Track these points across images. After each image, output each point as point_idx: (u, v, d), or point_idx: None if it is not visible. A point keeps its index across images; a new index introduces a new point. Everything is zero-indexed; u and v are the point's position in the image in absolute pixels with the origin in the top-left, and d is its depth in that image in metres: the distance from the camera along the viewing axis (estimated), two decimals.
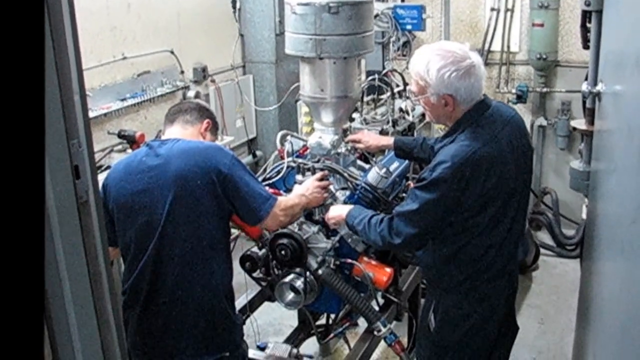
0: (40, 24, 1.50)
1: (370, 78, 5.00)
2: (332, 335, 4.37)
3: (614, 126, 2.92)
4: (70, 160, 1.68)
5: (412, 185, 3.96)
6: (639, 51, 2.27)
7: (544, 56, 7.29)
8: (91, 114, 5.07)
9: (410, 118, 5.34)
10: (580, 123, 4.25)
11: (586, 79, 3.90)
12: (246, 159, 7.38)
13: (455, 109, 3.26)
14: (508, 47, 7.72)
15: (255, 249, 3.96)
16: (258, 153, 7.80)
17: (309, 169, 3.89)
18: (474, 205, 3.19)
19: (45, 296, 1.63)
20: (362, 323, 4.18)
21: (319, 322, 4.67)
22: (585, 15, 3.97)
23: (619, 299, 2.37)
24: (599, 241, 3.15)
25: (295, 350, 4.26)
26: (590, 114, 3.92)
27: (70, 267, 1.70)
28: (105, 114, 5.55)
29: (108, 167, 4.58)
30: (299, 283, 3.81)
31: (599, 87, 3.49)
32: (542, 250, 7.20)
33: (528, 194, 3.58)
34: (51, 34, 1.59)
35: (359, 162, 4.30)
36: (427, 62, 3.19)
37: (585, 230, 4.20)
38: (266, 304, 4.45)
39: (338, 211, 3.70)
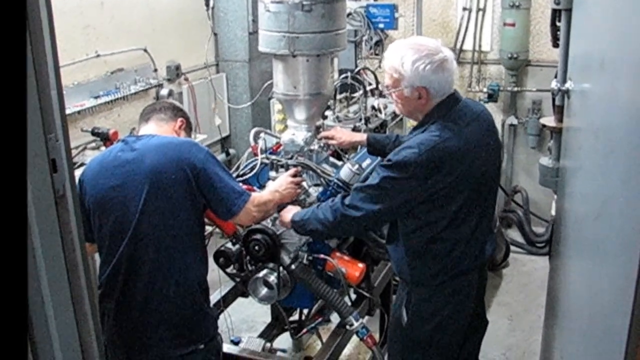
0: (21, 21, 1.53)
1: (343, 76, 5.03)
2: (305, 330, 4.38)
3: (581, 124, 2.96)
4: (47, 154, 1.70)
5: None
6: (604, 53, 2.32)
7: (515, 55, 7.34)
8: None
9: (382, 116, 5.38)
10: (549, 120, 4.30)
11: (556, 76, 3.96)
12: (219, 157, 7.34)
13: (428, 102, 3.30)
14: (479, 46, 7.77)
15: (229, 245, 3.98)
16: (231, 151, 7.80)
17: (282, 166, 3.92)
18: (437, 197, 3.22)
19: None
20: (335, 319, 4.21)
21: (292, 318, 4.70)
22: (555, 14, 4.03)
23: (584, 294, 2.42)
24: (566, 237, 3.20)
25: (268, 345, 4.29)
26: (559, 112, 3.97)
27: (48, 260, 1.72)
28: (78, 112, 5.53)
29: (82, 165, 4.57)
30: (272, 278, 3.84)
31: (568, 84, 3.53)
32: (512, 248, 7.25)
33: (496, 190, 3.62)
34: (28, 30, 1.62)
35: (331, 159, 4.32)
36: (402, 56, 3.24)
37: (553, 227, 4.25)
38: (240, 301, 4.47)
39: (287, 214, 3.70)
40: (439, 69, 3.22)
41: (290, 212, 3.68)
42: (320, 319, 4.36)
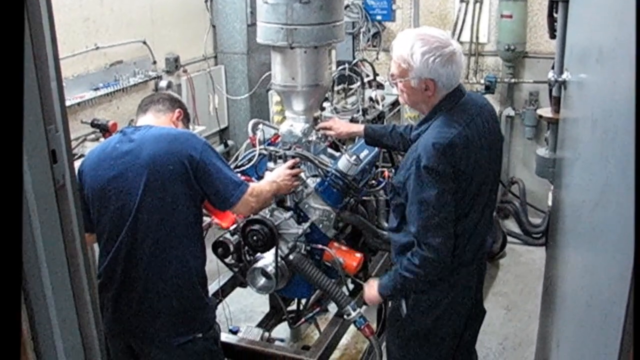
0: (20, 12, 1.54)
1: (340, 68, 5.05)
2: (302, 320, 4.40)
3: (578, 114, 2.97)
4: (47, 145, 1.71)
5: (388, 175, 4.03)
6: (601, 45, 2.32)
7: (512, 47, 7.35)
8: None
9: (380, 107, 5.40)
10: (546, 111, 4.30)
11: (553, 67, 3.96)
12: (218, 149, 7.37)
13: (434, 95, 3.28)
14: (477, 38, 7.78)
15: (227, 235, 3.99)
16: (229, 142, 7.82)
17: (280, 157, 3.92)
18: (455, 190, 3.22)
19: (24, 279, 1.66)
20: (332, 309, 4.22)
21: (290, 308, 4.71)
22: (553, 5, 4.03)
23: (581, 283, 2.43)
24: (563, 227, 3.21)
25: (267, 334, 4.31)
26: (556, 103, 3.97)
27: (48, 250, 1.73)
28: (78, 104, 5.57)
29: (81, 156, 4.59)
30: (270, 268, 3.86)
31: (565, 75, 3.54)
32: (509, 239, 7.27)
33: (498, 183, 3.62)
34: (28, 22, 1.62)
35: (329, 150, 4.33)
36: (412, 46, 3.20)
37: (550, 217, 4.26)
38: (238, 291, 4.49)
39: (371, 291, 3.65)
40: (448, 62, 3.21)
41: (374, 288, 3.62)
42: (318, 309, 4.38)
